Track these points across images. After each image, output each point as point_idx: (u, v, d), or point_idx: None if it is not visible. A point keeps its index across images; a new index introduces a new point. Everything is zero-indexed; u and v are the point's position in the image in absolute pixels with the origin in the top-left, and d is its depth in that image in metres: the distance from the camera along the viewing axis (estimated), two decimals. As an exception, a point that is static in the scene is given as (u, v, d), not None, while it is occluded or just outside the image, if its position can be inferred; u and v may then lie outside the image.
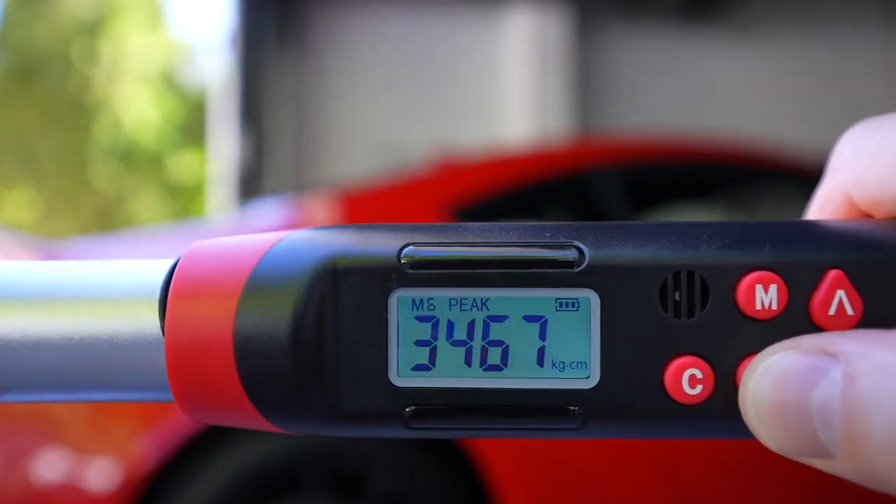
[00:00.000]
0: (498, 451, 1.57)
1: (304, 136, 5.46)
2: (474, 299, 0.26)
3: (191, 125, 11.01)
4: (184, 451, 1.48)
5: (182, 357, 0.26)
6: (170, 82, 11.86)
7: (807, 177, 2.08)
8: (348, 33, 5.53)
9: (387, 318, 0.26)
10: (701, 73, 5.74)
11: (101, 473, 1.46)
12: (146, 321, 0.28)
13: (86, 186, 11.36)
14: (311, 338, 0.25)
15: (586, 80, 5.65)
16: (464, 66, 5.59)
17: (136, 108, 11.32)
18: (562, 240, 0.26)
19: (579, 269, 0.25)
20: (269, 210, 2.22)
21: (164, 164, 11.60)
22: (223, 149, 5.54)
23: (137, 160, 11.59)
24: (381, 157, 4.79)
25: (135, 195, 11.61)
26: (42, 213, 11.11)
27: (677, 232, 0.26)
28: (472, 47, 5.60)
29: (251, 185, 5.20)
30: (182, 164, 11.40)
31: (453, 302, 0.26)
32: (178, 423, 1.47)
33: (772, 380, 0.23)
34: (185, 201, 11.45)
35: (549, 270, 0.25)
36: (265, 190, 5.11)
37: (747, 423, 0.24)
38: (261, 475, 1.51)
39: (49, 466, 1.47)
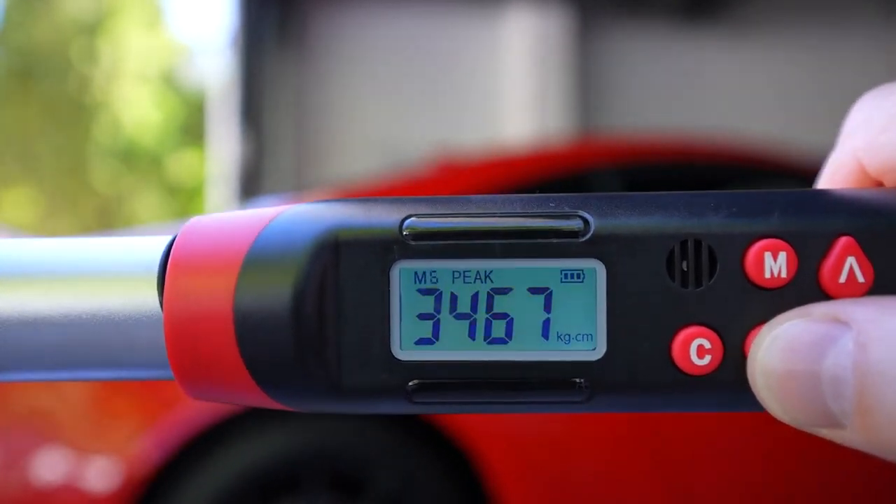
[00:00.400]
0: (498, 452, 1.57)
1: (304, 135, 5.46)
2: (478, 271, 0.25)
3: (190, 125, 11.02)
4: (184, 451, 1.48)
5: (181, 333, 0.26)
6: (169, 82, 11.86)
7: (807, 177, 2.08)
8: (349, 33, 5.53)
9: (389, 291, 0.25)
10: (701, 72, 5.74)
11: (101, 473, 1.46)
12: (145, 297, 0.27)
13: (86, 186, 11.36)
14: (313, 312, 0.25)
15: (586, 80, 5.65)
16: (464, 65, 5.59)
17: (136, 108, 11.33)
18: (566, 209, 0.25)
19: (584, 238, 0.25)
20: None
21: (164, 164, 11.60)
22: (223, 148, 5.55)
23: (137, 160, 11.60)
24: (381, 157, 4.79)
25: (134, 195, 11.61)
26: (43, 213, 11.11)
27: (684, 201, 0.25)
28: (472, 47, 5.60)
29: (251, 184, 5.20)
30: (182, 164, 11.40)
31: (456, 274, 0.25)
32: (178, 423, 1.47)
33: (781, 349, 0.23)
34: (184, 201, 11.45)
35: (554, 241, 0.25)
36: (265, 189, 5.11)
37: (756, 394, 0.24)
38: (261, 475, 1.50)
39: (49, 466, 1.47)
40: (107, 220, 10.94)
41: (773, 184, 2.29)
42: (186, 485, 1.48)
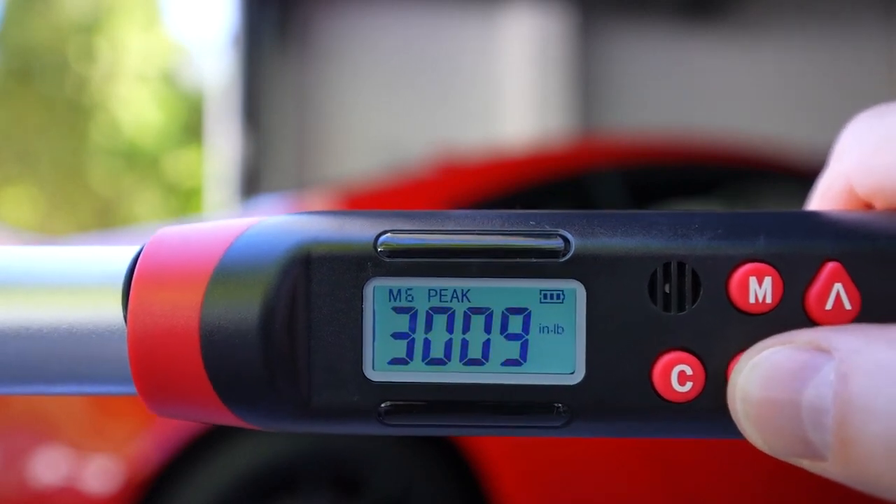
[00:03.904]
0: (499, 455, 1.56)
1: (304, 134, 5.46)
2: (455, 290, 0.25)
3: (190, 125, 11.03)
4: (184, 452, 1.48)
5: (145, 348, 0.25)
6: (169, 82, 11.87)
7: (806, 176, 2.08)
8: (350, 32, 5.53)
9: (362, 309, 0.24)
10: (701, 72, 5.74)
11: (101, 474, 1.46)
12: (109, 310, 0.26)
13: (85, 186, 11.37)
14: (282, 329, 0.24)
15: (587, 80, 5.65)
16: (465, 65, 5.59)
17: (135, 108, 11.33)
18: (547, 228, 0.24)
19: (564, 258, 0.24)
20: (268, 209, 2.21)
21: (163, 163, 11.61)
22: (223, 148, 5.55)
23: (136, 160, 11.60)
24: (381, 156, 4.79)
25: (133, 194, 11.62)
26: (42, 212, 11.12)
27: (668, 221, 0.24)
28: (473, 46, 5.60)
29: (251, 184, 5.20)
30: (181, 164, 11.41)
31: (433, 293, 0.25)
32: (178, 423, 1.47)
33: (761, 376, 0.22)
34: (184, 201, 11.46)
35: (533, 260, 0.24)
36: (266, 188, 5.11)
37: (736, 421, 0.23)
38: (261, 476, 1.50)
39: (50, 467, 1.47)
40: (106, 219, 10.95)
41: (773, 184, 2.28)
42: (186, 485, 1.48)
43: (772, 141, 3.56)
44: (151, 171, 11.70)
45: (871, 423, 0.20)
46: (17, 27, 11.38)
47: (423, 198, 1.90)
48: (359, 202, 1.92)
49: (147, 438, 1.47)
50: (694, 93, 5.70)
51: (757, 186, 2.35)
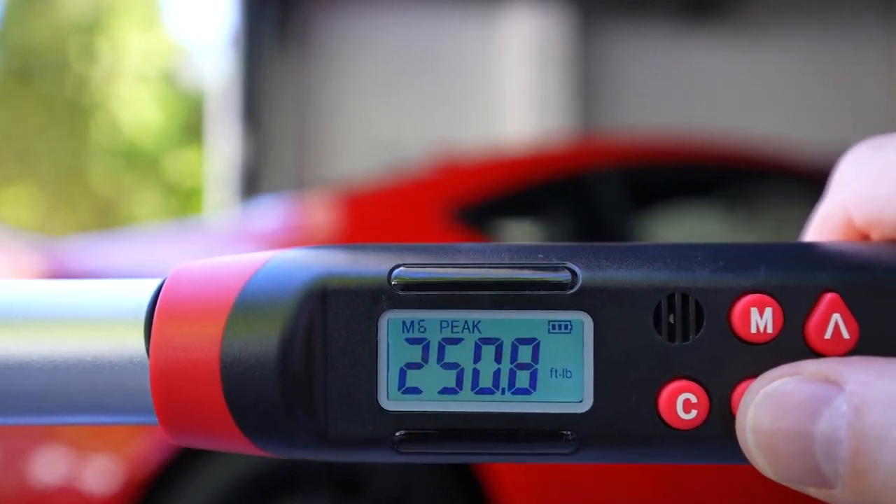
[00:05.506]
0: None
1: (304, 134, 5.46)
2: (466, 321, 0.25)
3: (190, 125, 11.01)
4: (185, 452, 1.48)
5: (167, 380, 0.26)
6: (169, 82, 11.85)
7: (807, 177, 2.08)
8: (350, 32, 5.52)
9: (377, 341, 0.25)
10: (702, 72, 5.73)
11: (101, 474, 1.46)
12: (131, 343, 0.27)
13: (85, 186, 11.36)
14: (300, 360, 0.25)
15: (587, 80, 5.64)
16: (465, 65, 5.58)
17: (135, 108, 11.32)
18: (554, 261, 0.25)
19: (572, 291, 0.25)
20: (268, 209, 2.21)
21: (163, 163, 11.60)
22: (223, 148, 5.54)
23: (136, 160, 11.59)
24: (381, 156, 4.78)
25: (133, 194, 11.61)
26: (42, 212, 11.11)
27: (671, 254, 0.25)
28: (473, 46, 5.60)
29: (251, 184, 5.20)
30: (181, 164, 11.39)
31: (444, 324, 0.25)
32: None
33: (772, 407, 0.23)
34: (183, 200, 11.45)
35: (542, 292, 0.25)
36: (266, 188, 5.11)
37: (744, 449, 0.24)
38: (261, 476, 1.51)
39: (50, 468, 1.47)
40: (106, 219, 10.94)
41: (773, 184, 2.28)
42: (186, 485, 1.48)
43: (772, 141, 3.56)
44: (151, 171, 11.68)
45: (886, 453, 0.21)
46: (17, 27, 11.36)
47: (423, 197, 1.90)
48: (359, 202, 1.92)
49: (147, 438, 1.47)
50: (694, 93, 5.69)
51: (757, 186, 2.35)
